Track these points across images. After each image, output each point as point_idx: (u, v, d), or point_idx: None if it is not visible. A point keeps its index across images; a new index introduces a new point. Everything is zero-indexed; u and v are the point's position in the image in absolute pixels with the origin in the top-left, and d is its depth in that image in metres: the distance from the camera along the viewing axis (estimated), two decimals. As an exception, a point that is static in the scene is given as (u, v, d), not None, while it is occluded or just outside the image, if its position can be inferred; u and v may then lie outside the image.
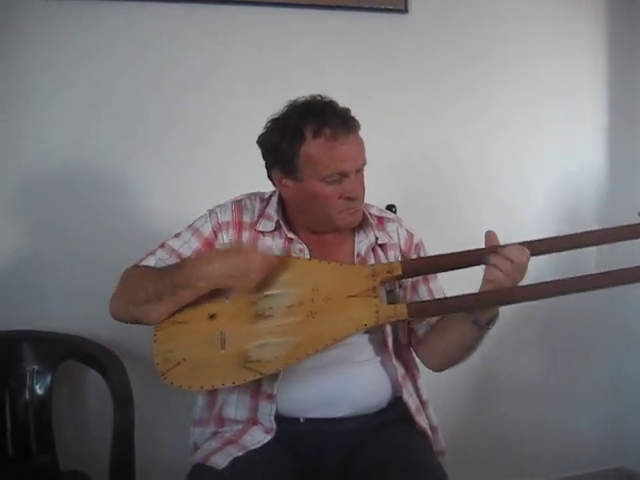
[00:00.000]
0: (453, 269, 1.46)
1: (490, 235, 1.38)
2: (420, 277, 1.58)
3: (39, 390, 1.99)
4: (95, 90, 2.12)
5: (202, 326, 1.39)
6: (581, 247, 1.43)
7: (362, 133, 1.51)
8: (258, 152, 1.54)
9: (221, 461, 1.37)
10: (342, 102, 1.52)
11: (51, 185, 2.10)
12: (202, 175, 2.19)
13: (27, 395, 1.98)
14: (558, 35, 2.54)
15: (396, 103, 2.36)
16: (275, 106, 1.56)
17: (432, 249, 1.63)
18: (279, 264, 1.41)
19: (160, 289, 1.40)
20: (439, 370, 1.58)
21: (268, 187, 1.60)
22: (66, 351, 2.02)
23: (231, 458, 1.37)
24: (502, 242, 1.40)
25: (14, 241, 2.09)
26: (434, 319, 1.55)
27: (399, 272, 1.40)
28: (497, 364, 2.51)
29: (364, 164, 1.49)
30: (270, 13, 2.24)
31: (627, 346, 2.66)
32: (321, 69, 2.28)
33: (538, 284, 1.38)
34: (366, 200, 1.63)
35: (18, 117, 2.07)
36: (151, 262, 1.52)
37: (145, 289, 1.42)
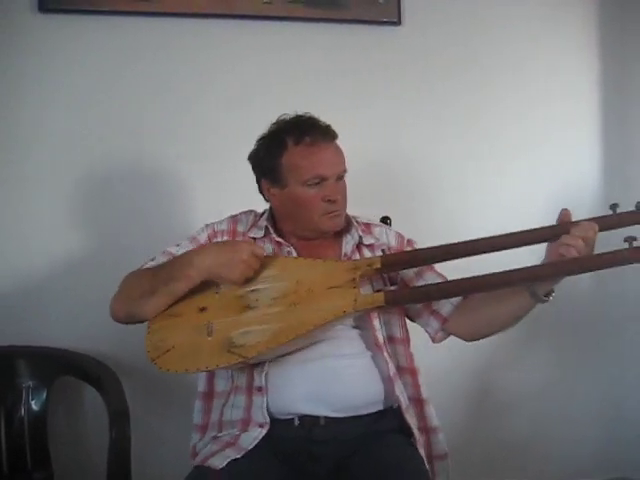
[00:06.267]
0: (433, 262, 1.55)
1: (565, 212, 1.43)
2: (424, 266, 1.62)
3: (35, 406, 1.98)
4: (86, 102, 2.13)
5: (192, 317, 1.49)
6: None
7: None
8: (250, 167, 1.63)
9: (218, 462, 1.41)
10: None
11: (45, 199, 2.11)
12: (196, 188, 2.19)
13: (23, 411, 1.97)
14: (550, 44, 2.54)
15: (389, 115, 2.36)
16: (270, 119, 1.60)
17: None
18: (266, 259, 1.50)
19: (155, 283, 1.49)
20: (477, 339, 1.61)
21: (260, 203, 1.66)
22: (62, 366, 2.02)
23: (228, 459, 1.41)
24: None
25: (9, 256, 2.09)
26: (458, 298, 1.58)
27: (378, 265, 1.47)
28: (497, 372, 2.50)
29: (344, 171, 1.58)
30: (264, 27, 2.25)
31: (627, 356, 2.65)
32: (315, 82, 2.29)
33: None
34: (361, 213, 1.69)
35: (11, 126, 2.09)
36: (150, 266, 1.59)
37: (141, 285, 1.51)
